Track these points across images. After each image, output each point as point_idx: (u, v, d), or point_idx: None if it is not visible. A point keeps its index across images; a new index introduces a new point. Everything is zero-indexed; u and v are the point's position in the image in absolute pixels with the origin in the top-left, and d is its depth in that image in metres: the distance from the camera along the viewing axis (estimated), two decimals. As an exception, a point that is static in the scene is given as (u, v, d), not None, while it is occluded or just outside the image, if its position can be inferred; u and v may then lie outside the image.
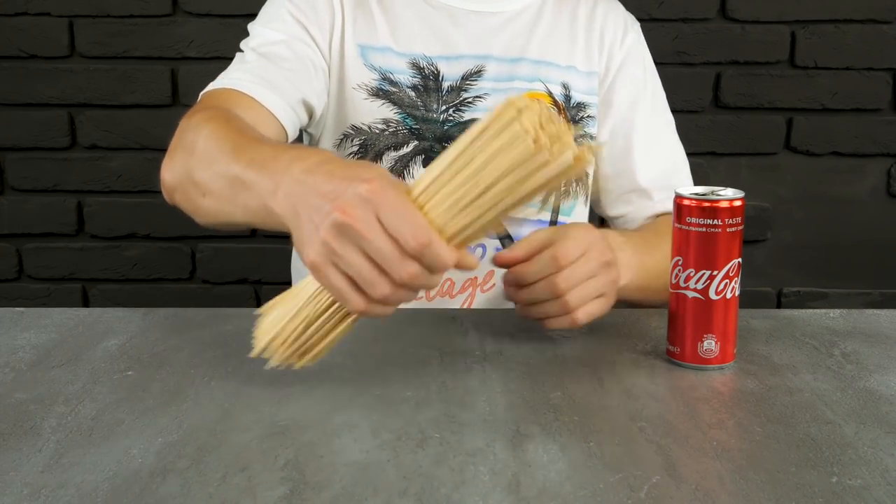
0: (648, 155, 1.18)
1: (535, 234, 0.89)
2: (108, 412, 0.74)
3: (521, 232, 1.11)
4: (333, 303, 0.76)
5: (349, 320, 0.77)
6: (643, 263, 0.99)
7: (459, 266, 0.73)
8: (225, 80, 1.06)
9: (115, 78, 1.76)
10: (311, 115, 1.11)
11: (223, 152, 0.85)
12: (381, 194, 0.70)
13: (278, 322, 0.78)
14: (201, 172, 0.87)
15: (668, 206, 0.90)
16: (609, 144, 1.18)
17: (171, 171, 0.93)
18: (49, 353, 0.87)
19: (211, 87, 1.06)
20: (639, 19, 1.25)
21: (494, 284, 1.12)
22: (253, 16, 1.15)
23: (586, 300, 0.88)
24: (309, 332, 0.77)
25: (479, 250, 1.11)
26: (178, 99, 1.75)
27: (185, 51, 1.76)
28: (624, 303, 1.01)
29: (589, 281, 0.88)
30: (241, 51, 1.12)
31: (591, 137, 1.17)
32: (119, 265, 1.83)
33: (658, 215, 1.17)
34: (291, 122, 1.07)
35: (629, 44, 1.20)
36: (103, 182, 1.78)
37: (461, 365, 0.84)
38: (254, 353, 0.79)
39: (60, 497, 0.61)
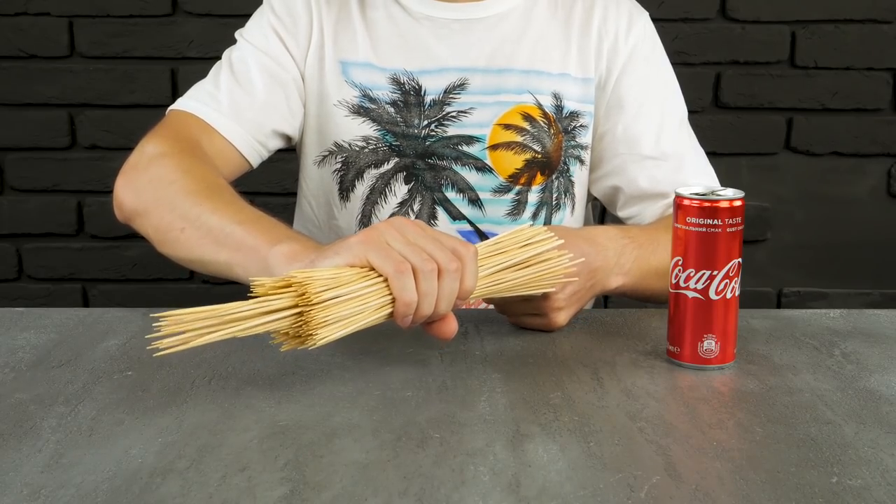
0: (660, 155, 1.12)
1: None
2: (108, 412, 0.74)
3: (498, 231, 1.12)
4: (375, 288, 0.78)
5: (382, 313, 0.79)
6: (642, 267, 0.97)
7: (442, 323, 0.81)
8: (194, 103, 1.09)
9: (115, 78, 1.76)
10: (287, 138, 1.14)
11: (214, 201, 0.93)
12: (436, 231, 0.81)
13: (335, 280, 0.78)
14: (182, 210, 0.94)
15: None
16: (619, 144, 1.13)
17: (136, 195, 0.98)
18: (49, 353, 0.87)
19: (180, 105, 1.09)
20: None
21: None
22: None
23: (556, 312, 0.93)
24: (352, 303, 0.77)
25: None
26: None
27: (185, 51, 1.76)
28: (628, 298, 1.01)
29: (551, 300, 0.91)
30: (223, 58, 1.13)
31: (582, 148, 1.15)
32: (119, 265, 1.83)
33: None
34: (256, 154, 1.11)
35: (634, 40, 1.14)
36: (103, 182, 1.78)
37: (461, 365, 0.84)
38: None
39: (60, 497, 0.61)
